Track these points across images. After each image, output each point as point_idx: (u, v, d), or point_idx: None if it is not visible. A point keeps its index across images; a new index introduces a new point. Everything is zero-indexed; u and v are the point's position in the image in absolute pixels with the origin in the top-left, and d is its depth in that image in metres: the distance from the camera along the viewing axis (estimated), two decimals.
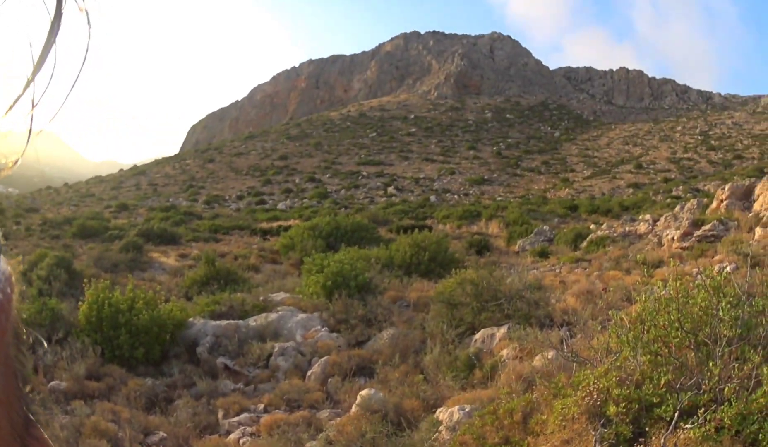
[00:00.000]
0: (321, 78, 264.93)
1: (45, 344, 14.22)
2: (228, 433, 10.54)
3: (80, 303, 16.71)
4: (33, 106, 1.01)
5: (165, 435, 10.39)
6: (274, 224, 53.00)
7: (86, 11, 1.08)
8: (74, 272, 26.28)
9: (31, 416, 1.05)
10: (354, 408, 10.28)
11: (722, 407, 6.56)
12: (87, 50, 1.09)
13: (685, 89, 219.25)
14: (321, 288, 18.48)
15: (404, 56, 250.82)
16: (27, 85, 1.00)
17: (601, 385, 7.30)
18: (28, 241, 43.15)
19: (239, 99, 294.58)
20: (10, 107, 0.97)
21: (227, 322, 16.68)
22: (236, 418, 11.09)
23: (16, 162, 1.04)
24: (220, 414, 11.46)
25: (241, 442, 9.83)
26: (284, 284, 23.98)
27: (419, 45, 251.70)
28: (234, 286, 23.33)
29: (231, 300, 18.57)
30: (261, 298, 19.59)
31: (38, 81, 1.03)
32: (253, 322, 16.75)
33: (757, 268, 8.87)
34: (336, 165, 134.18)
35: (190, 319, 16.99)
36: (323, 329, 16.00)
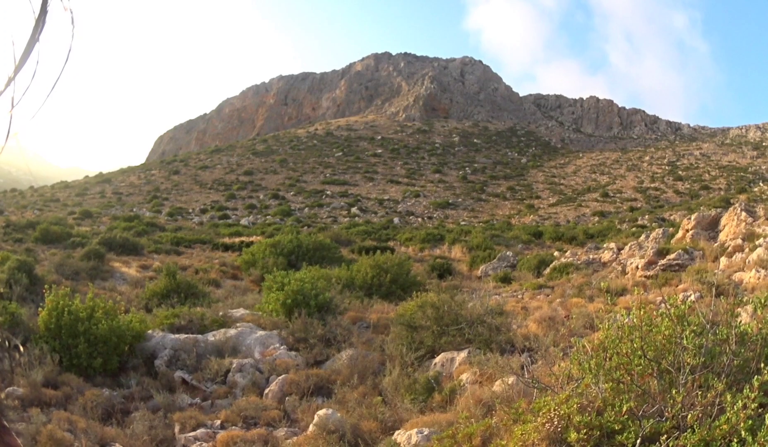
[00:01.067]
0: (290, 95, 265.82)
1: (21, 349, 14.18)
2: None
3: (40, 309, 16.61)
4: (12, 106, 0.91)
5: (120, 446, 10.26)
6: (237, 240, 52.90)
7: (71, 11, 1.00)
8: (36, 277, 26.27)
9: (5, 423, 0.95)
10: (311, 428, 10.27)
11: (685, 434, 6.63)
12: (70, 50, 0.98)
13: (655, 120, 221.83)
14: (281, 306, 18.49)
15: (374, 77, 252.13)
16: (8, 84, 0.90)
17: (562, 412, 7.33)
18: None
19: (207, 112, 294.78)
20: None
21: (186, 335, 16.63)
22: (193, 433, 11.04)
23: None
24: (177, 428, 11.39)
25: None
26: (244, 300, 23.95)
27: (390, 66, 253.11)
28: (194, 300, 23.28)
29: (190, 314, 18.50)
30: (221, 313, 19.55)
31: (20, 80, 0.95)
32: (212, 337, 16.72)
33: (722, 297, 8.87)
34: (301, 183, 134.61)
35: (149, 332, 16.91)
36: (282, 347, 15.99)
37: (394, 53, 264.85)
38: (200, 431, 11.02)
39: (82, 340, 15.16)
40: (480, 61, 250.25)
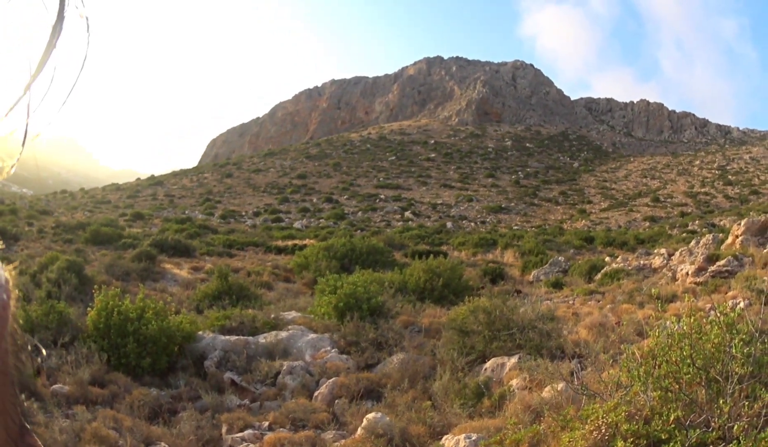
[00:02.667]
0: (343, 99, 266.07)
1: (44, 352, 14.18)
2: None
3: (89, 308, 16.71)
4: (29, 113, 0.99)
5: (166, 446, 10.34)
6: (290, 243, 52.76)
7: (86, 18, 1.06)
8: (85, 277, 26.26)
9: (26, 424, 1.05)
10: (359, 431, 10.20)
11: (731, 445, 6.48)
12: (86, 57, 1.06)
13: (705, 123, 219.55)
14: (333, 309, 18.40)
15: (426, 81, 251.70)
16: (26, 89, 0.98)
17: (610, 420, 7.25)
18: (39, 243, 43.21)
19: (260, 116, 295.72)
20: (10, 109, 0.94)
21: (237, 337, 16.61)
22: (240, 434, 11.01)
23: (13, 167, 1.03)
24: (224, 429, 11.37)
25: None
26: (296, 303, 23.92)
27: (442, 70, 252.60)
28: (246, 302, 23.26)
29: (242, 316, 18.45)
30: (272, 315, 19.46)
31: (37, 86, 1.01)
32: (262, 339, 16.65)
33: None
34: (354, 186, 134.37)
35: (200, 333, 16.94)
36: (333, 350, 15.90)
37: (446, 57, 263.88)
38: (247, 432, 10.99)
39: (132, 339, 15.25)
40: (531, 65, 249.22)
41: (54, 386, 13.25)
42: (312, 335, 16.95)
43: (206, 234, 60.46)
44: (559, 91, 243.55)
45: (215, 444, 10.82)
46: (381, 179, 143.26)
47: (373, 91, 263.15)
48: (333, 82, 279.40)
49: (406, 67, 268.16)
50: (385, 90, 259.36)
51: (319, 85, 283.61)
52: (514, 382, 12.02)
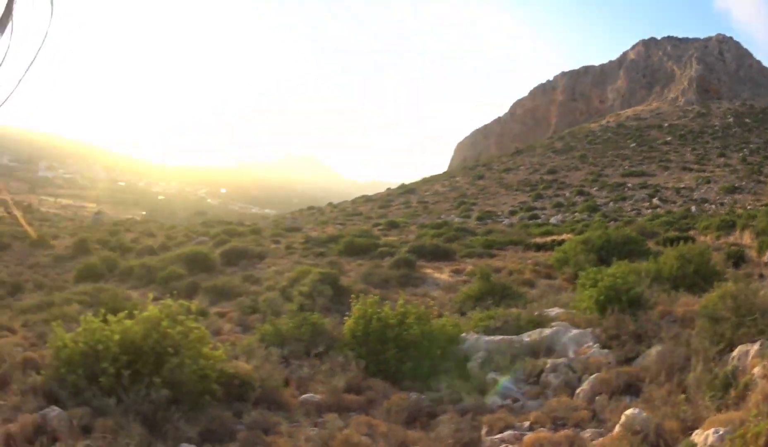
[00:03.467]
0: (576, 89, 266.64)
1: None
2: None
3: (345, 318, 17.21)
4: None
5: None
6: (548, 239, 52.67)
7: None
8: (341, 288, 27.03)
9: None
10: (617, 428, 10.05)
11: None
12: (45, 36, 1.23)
13: None
14: (594, 303, 18.32)
15: (648, 64, 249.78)
16: None
17: None
18: (288, 259, 44.82)
19: (501, 115, 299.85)
20: None
21: (501, 337, 16.68)
22: (499, 435, 11.01)
23: None
24: (484, 431, 11.36)
25: None
26: (558, 299, 23.86)
27: (659, 51, 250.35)
28: (509, 301, 23.44)
29: (506, 315, 18.54)
30: (536, 313, 19.42)
31: None
32: (527, 337, 16.68)
33: None
34: (602, 177, 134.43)
35: (463, 335, 17.07)
36: (595, 345, 15.71)
37: (659, 38, 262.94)
38: (507, 433, 10.98)
39: (392, 345, 15.48)
40: (731, 38, 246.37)
41: (304, 396, 13.72)
42: (575, 331, 16.83)
43: (464, 236, 60.86)
44: (758, 62, 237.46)
45: (474, 446, 10.84)
46: (626, 167, 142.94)
47: (602, 80, 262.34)
48: (563, 74, 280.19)
49: (626, 51, 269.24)
50: (613, 77, 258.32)
51: (551, 78, 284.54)
52: (755, 371, 11.73)
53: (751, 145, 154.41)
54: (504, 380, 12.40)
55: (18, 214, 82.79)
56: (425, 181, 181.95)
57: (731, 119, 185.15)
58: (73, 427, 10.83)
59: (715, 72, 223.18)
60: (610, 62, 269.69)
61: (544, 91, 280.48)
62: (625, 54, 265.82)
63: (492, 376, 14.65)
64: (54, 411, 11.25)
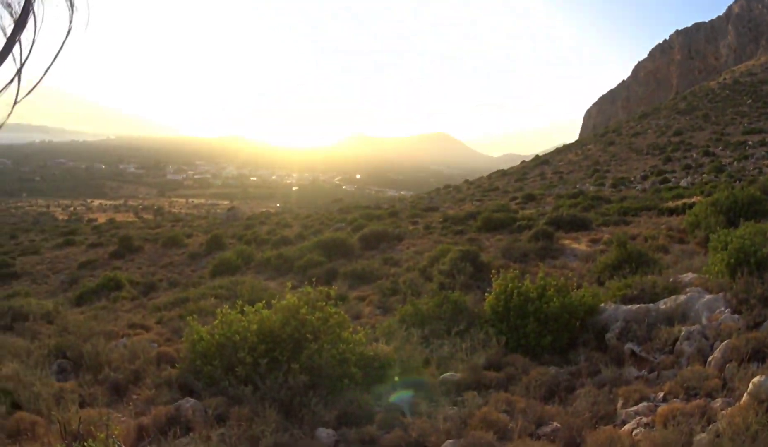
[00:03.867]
0: (692, 47, 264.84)
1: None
2: (624, 423, 10.22)
3: (486, 294, 17.10)
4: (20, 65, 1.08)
5: (558, 426, 10.25)
6: (679, 202, 51.72)
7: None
8: (481, 265, 26.85)
9: None
10: (744, 397, 9.74)
11: None
12: (68, 33, 1.14)
13: None
14: (725, 266, 17.92)
15: (751, 17, 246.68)
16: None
17: None
18: (427, 239, 44.76)
19: (624, 79, 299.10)
20: None
21: (638, 306, 16.24)
22: (634, 408, 10.73)
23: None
24: (620, 403, 11.11)
25: (634, 433, 9.51)
26: (691, 264, 23.16)
27: (758, 4, 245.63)
28: (645, 268, 22.84)
29: (642, 283, 18.11)
30: (670, 279, 19.04)
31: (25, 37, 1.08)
32: (662, 305, 16.13)
33: None
34: (725, 136, 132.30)
35: (602, 305, 16.77)
36: (726, 311, 15.34)
37: None
38: (642, 405, 10.70)
39: (532, 319, 15.34)
40: None
41: (444, 375, 13.63)
42: (708, 296, 16.38)
43: (599, 205, 60.48)
44: None
45: (609, 419, 10.57)
46: (745, 125, 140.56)
47: (714, 35, 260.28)
48: (677, 32, 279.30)
49: (731, 4, 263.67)
50: (723, 32, 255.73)
51: (667, 37, 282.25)
52: None
53: None
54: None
55: None
56: (558, 151, 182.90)
57: None
58: (208, 416, 10.98)
59: None
60: (719, 18, 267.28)
61: (662, 51, 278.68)
62: (730, 8, 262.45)
63: (629, 346, 14.37)
64: (188, 402, 11.43)
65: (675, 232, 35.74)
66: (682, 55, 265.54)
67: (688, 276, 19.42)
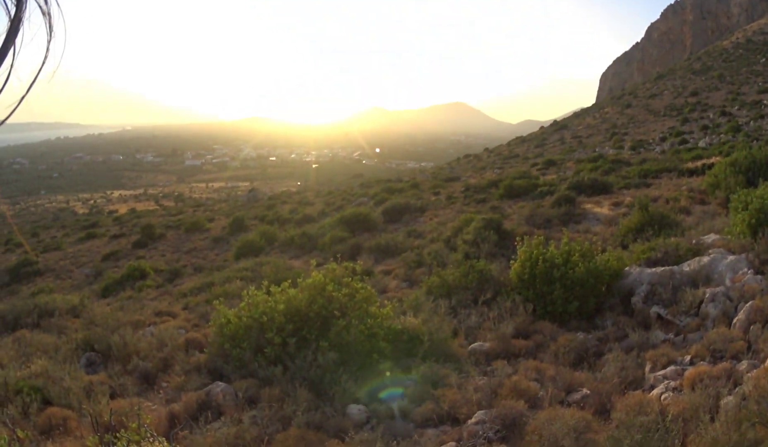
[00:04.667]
0: (704, 7, 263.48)
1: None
2: (652, 387, 10.26)
3: (511, 262, 17.12)
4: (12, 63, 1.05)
5: (588, 392, 10.27)
6: (698, 163, 51.55)
7: (48, 14, 1.13)
8: (504, 232, 26.86)
9: None
10: None
11: None
12: (45, 59, 1.12)
13: None
14: (747, 227, 17.87)
15: None
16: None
17: None
18: (450, 209, 44.73)
19: (638, 41, 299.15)
20: None
21: (662, 268, 16.20)
22: (662, 372, 10.75)
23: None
24: (648, 367, 11.16)
25: (662, 397, 9.48)
26: (713, 225, 23.07)
27: None
28: (668, 230, 22.78)
29: (665, 245, 18.11)
30: (693, 241, 19.05)
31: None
32: (686, 267, 16.11)
33: None
34: (740, 96, 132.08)
35: (626, 268, 16.72)
36: (749, 272, 15.30)
37: None
38: (669, 369, 10.72)
39: (558, 285, 15.33)
40: None
41: (472, 345, 13.70)
42: (730, 257, 16.31)
43: (620, 168, 59.94)
44: None
45: (638, 384, 10.66)
46: (759, 84, 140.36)
47: None
48: None
49: None
50: None
51: None
52: None
53: None
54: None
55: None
56: (576, 115, 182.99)
57: None
58: (239, 399, 11.03)
59: None
60: None
61: (674, 11, 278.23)
62: None
63: (655, 309, 14.32)
64: (219, 386, 11.51)
65: (696, 193, 35.56)
66: (693, 15, 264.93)
67: (711, 237, 19.38)
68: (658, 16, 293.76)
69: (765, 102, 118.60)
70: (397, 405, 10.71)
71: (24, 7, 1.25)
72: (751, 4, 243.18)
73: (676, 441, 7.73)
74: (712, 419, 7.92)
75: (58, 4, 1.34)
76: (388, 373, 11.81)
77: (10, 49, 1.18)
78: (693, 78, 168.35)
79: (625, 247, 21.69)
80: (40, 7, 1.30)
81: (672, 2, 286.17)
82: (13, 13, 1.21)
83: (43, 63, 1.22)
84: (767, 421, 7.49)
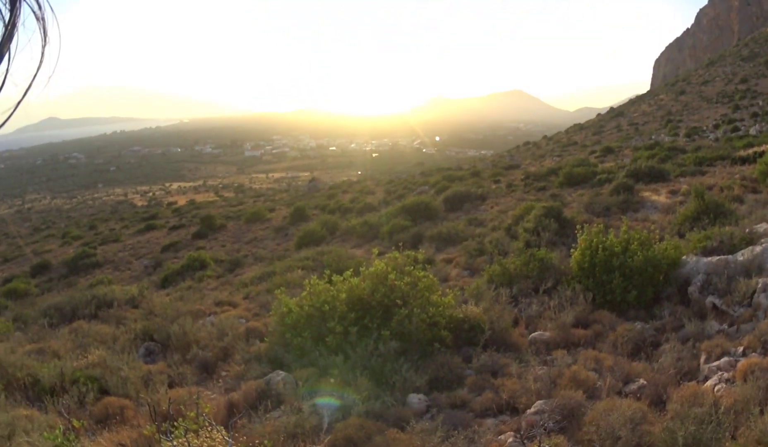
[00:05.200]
0: None
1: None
2: (706, 379, 10.28)
3: (571, 250, 17.16)
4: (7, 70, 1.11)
5: (645, 383, 10.29)
6: (750, 151, 51.13)
7: (42, 19, 1.22)
8: (565, 221, 26.73)
9: None
10: None
11: None
12: (40, 64, 1.19)
13: None
14: None
15: None
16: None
17: None
18: (510, 197, 44.52)
19: (689, 27, 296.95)
20: None
21: (718, 258, 16.10)
22: (716, 363, 10.73)
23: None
24: (703, 358, 11.15)
25: (716, 389, 9.53)
26: (765, 214, 23.01)
27: None
28: (722, 219, 22.62)
29: (721, 234, 17.88)
30: (746, 230, 18.96)
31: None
32: (740, 256, 15.95)
33: None
34: None
35: (684, 258, 16.64)
36: None
37: None
38: (723, 360, 10.70)
39: (617, 274, 15.31)
40: None
41: (533, 334, 13.76)
42: None
43: (676, 155, 59.69)
44: None
45: (693, 375, 10.68)
46: None
47: None
48: None
49: None
50: None
51: None
52: None
53: None
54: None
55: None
56: (632, 103, 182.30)
57: None
58: (299, 388, 11.12)
59: None
60: None
61: None
62: None
63: (710, 299, 14.27)
64: (279, 375, 11.66)
65: (748, 181, 35.28)
66: (739, 1, 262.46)
67: (763, 226, 19.24)
68: (706, 2, 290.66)
69: None
70: (457, 393, 10.80)
71: (18, 13, 1.32)
72: None
73: (727, 434, 7.79)
74: (762, 412, 7.98)
75: (51, 9, 1.41)
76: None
77: (5, 55, 1.27)
78: (742, 65, 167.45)
79: (682, 235, 21.58)
80: (33, 12, 1.36)
81: None
82: (7, 18, 1.29)
83: (39, 68, 1.32)
84: None
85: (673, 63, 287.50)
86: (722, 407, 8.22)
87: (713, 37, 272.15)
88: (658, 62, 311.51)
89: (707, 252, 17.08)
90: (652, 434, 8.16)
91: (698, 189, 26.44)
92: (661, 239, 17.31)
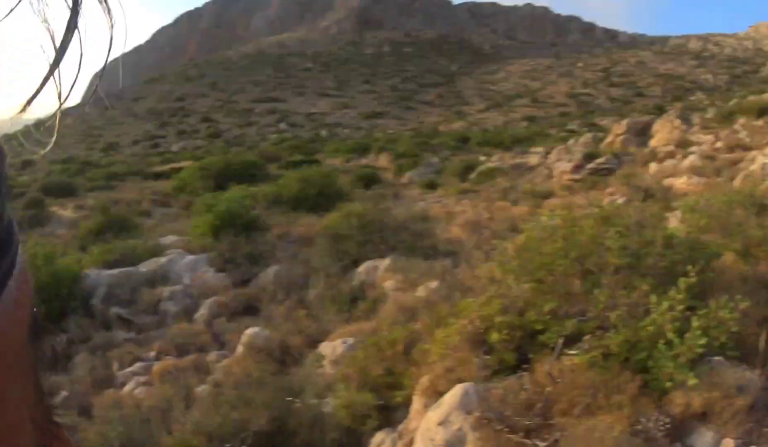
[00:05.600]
0: (224, 17, 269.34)
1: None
2: (123, 384, 10.64)
3: None
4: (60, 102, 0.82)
5: (67, 394, 10.32)
6: (167, 167, 52.53)
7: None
8: None
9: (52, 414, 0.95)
10: (239, 348, 10.63)
11: (609, 334, 6.59)
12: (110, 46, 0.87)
13: (591, 27, 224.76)
14: (209, 228, 18.39)
15: None
16: (49, 74, 0.82)
17: (484, 313, 7.36)
18: None
19: (141, 43, 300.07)
20: (30, 100, 0.82)
21: (120, 270, 16.64)
22: (130, 369, 11.20)
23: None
24: (115, 366, 11.54)
25: (135, 392, 9.95)
26: (175, 227, 24.09)
27: None
28: (128, 233, 23.17)
29: (123, 247, 18.50)
30: (151, 242, 19.39)
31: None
32: (144, 268, 16.82)
33: (651, 200, 8.81)
34: (230, 104, 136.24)
35: (86, 271, 16.78)
36: (211, 270, 16.06)
37: None
38: (137, 365, 11.18)
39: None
40: None
41: None
42: (190, 257, 17.22)
43: (89, 169, 59.66)
44: None
45: (110, 382, 10.97)
46: (257, 94, 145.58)
47: (254, 7, 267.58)
48: (215, 1, 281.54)
49: None
50: (266, 3, 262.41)
51: (201, 5, 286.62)
52: (387, 284, 12.27)
53: (406, 73, 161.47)
54: None
55: None
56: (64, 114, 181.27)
57: (387, 49, 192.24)
58: None
59: (383, 3, 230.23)
60: None
61: (190, 18, 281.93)
62: None
63: (114, 310, 14.42)
64: None
65: (160, 196, 36.30)
66: (210, 24, 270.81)
67: (170, 238, 20.38)
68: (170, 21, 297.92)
69: (257, 110, 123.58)
70: None
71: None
72: (280, 19, 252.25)
73: (162, 430, 8.05)
74: (187, 406, 8.41)
75: None
76: None
77: (71, 39, 0.74)
78: (184, 84, 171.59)
79: (84, 250, 21.72)
80: None
81: (191, 9, 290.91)
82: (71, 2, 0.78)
83: (109, 50, 0.80)
84: (246, 402, 7.95)
85: (111, 78, 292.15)
86: (146, 407, 8.68)
87: (163, 56, 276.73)
88: (97, 76, 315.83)
89: (110, 265, 17.54)
90: (88, 440, 8.11)
91: (102, 204, 26.81)
92: (65, 254, 17.23)
